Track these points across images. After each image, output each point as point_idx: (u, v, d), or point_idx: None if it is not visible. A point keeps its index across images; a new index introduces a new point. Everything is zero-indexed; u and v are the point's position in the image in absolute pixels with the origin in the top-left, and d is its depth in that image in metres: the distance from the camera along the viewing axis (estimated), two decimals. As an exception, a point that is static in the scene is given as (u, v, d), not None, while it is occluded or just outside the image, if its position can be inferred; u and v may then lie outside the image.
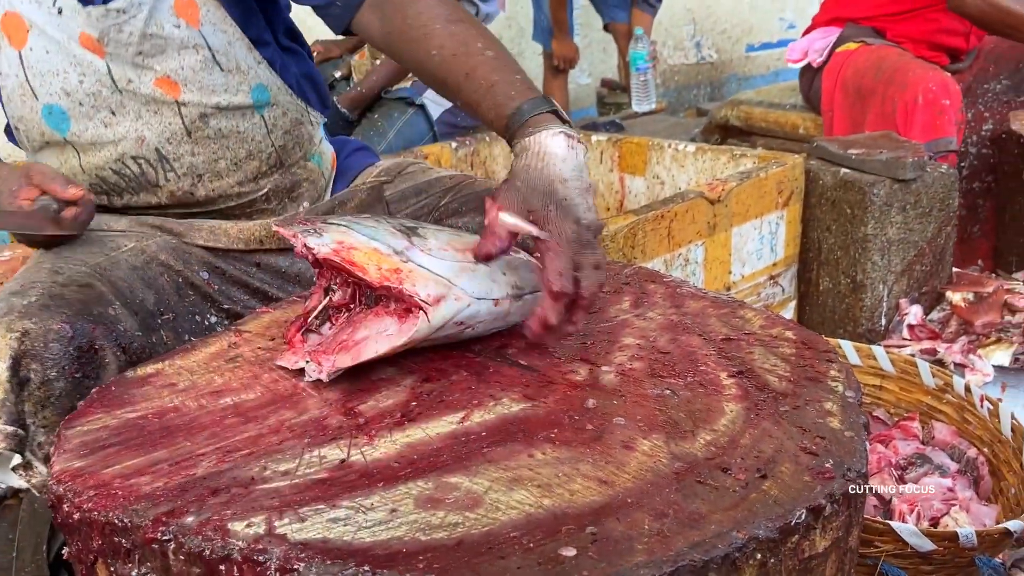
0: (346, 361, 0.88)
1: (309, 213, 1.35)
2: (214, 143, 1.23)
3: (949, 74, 2.25)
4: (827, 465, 0.72)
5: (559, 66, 4.22)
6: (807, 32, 2.66)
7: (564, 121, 0.96)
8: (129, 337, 1.06)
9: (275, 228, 0.97)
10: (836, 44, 2.49)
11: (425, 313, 0.87)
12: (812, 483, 0.69)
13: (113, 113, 1.20)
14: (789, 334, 0.98)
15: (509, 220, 0.89)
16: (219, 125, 1.23)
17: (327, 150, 1.42)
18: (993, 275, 2.18)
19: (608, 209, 2.42)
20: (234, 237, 1.28)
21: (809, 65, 2.61)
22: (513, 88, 0.99)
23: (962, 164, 2.42)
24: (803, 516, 0.66)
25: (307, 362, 0.90)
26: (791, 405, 0.82)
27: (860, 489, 0.72)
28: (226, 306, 1.26)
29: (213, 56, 1.21)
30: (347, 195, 1.38)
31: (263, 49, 1.27)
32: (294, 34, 1.39)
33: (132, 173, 1.23)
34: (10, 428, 0.97)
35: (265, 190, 1.30)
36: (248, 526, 0.66)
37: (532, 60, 5.11)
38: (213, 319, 1.26)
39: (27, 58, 1.18)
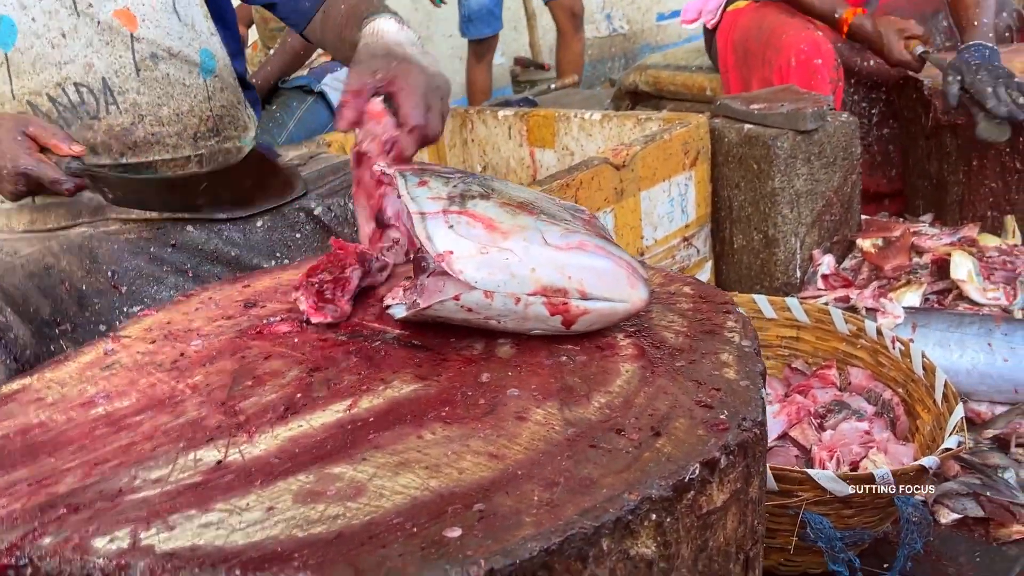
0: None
1: None
2: (160, 87, 1.26)
3: (821, 33, 2.26)
4: (721, 417, 0.70)
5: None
6: None
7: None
8: (21, 345, 1.03)
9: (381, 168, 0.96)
10: (728, 2, 2.50)
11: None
12: (706, 436, 0.67)
13: (64, 35, 1.19)
14: (687, 289, 0.96)
15: (355, 81, 0.92)
16: (168, 70, 1.26)
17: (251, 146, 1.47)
18: (901, 219, 2.22)
19: (521, 184, 2.39)
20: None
21: (706, 27, 2.62)
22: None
23: (873, 111, 2.45)
24: (697, 471, 0.64)
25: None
26: (687, 360, 0.80)
27: (756, 438, 0.70)
28: (135, 309, 1.21)
29: (174, 4, 1.26)
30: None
31: (219, 27, 1.35)
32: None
33: (70, 101, 1.21)
34: None
35: (202, 152, 1.32)
36: (111, 541, 0.61)
37: (442, 43, 5.06)
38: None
39: None
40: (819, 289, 1.95)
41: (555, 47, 4.73)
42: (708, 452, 0.66)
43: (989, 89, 1.88)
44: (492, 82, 4.56)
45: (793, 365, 1.65)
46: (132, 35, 1.21)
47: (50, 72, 1.19)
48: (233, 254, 1.28)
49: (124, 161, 1.26)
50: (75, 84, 1.21)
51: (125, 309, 1.21)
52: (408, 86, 0.95)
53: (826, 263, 1.97)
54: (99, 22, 1.20)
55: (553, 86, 4.56)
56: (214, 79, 1.32)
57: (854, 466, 1.36)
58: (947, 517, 1.40)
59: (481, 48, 4.34)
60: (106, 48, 1.21)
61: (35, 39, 1.18)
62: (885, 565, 1.28)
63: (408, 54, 1.00)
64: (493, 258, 0.83)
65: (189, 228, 1.29)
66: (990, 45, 2.01)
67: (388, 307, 0.95)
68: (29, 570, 0.61)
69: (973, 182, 2.10)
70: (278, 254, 1.31)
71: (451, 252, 0.83)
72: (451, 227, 0.84)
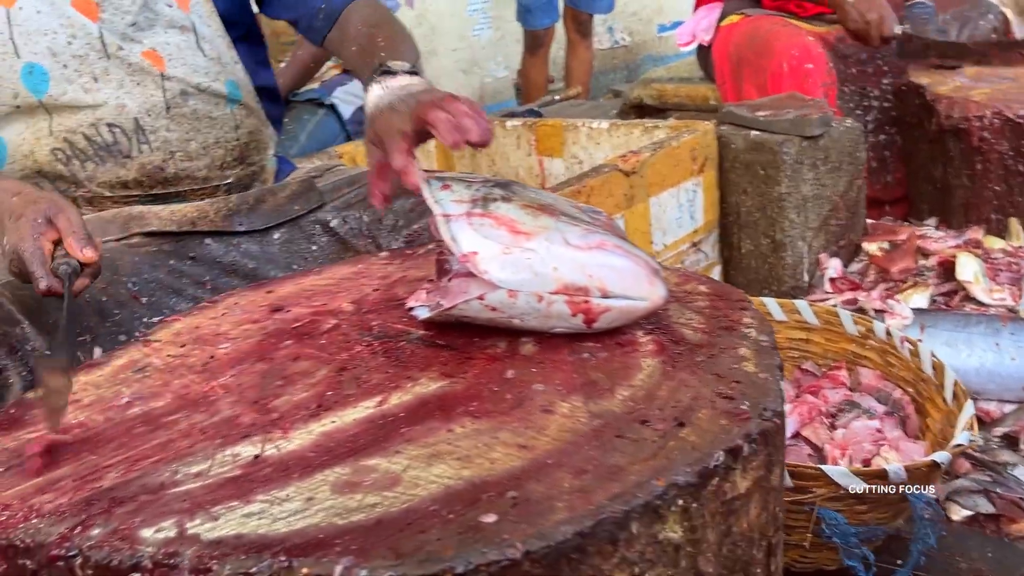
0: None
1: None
2: (188, 123, 1.29)
3: (812, 39, 2.31)
4: (743, 407, 0.72)
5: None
6: (695, 11, 2.72)
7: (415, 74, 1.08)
8: (38, 357, 1.03)
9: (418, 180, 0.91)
10: (720, 19, 2.55)
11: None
12: (729, 426, 0.70)
13: (96, 79, 1.23)
14: (703, 288, 0.98)
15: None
16: (195, 106, 1.30)
17: (274, 163, 1.51)
18: (906, 223, 2.24)
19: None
20: (166, 219, 1.29)
21: (701, 45, 2.66)
22: (389, 56, 1.14)
23: (868, 118, 2.48)
24: (721, 458, 0.66)
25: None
26: (707, 354, 0.82)
27: (776, 428, 0.72)
28: (155, 320, 1.23)
29: (198, 41, 1.30)
30: (279, 186, 1.39)
31: (241, 53, 1.38)
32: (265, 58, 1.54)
33: (104, 140, 1.25)
34: None
35: (229, 180, 1.37)
36: (158, 531, 0.64)
37: (445, 57, 5.10)
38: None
39: (15, 16, 1.20)
40: (827, 292, 1.97)
41: (561, 59, 4.75)
42: (731, 440, 0.68)
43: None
44: (547, 75, 4.43)
45: (803, 366, 1.67)
46: (162, 74, 1.26)
47: (85, 113, 1.23)
48: (251, 266, 1.31)
49: (154, 193, 1.31)
50: (108, 124, 1.25)
51: (145, 320, 1.23)
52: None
53: (833, 267, 2.00)
54: (130, 64, 1.24)
55: (558, 98, 4.60)
56: (240, 107, 1.36)
57: (866, 464, 1.38)
58: (959, 514, 1.41)
59: (535, 40, 4.23)
60: (137, 89, 1.25)
61: (67, 84, 1.22)
62: (899, 561, 1.30)
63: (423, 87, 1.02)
64: (516, 258, 0.85)
65: (208, 241, 1.32)
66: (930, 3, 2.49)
67: (411, 309, 0.98)
68: (79, 560, 0.63)
69: (977, 185, 2.13)
70: (295, 266, 1.33)
71: (476, 253, 0.85)
72: (475, 229, 0.87)
